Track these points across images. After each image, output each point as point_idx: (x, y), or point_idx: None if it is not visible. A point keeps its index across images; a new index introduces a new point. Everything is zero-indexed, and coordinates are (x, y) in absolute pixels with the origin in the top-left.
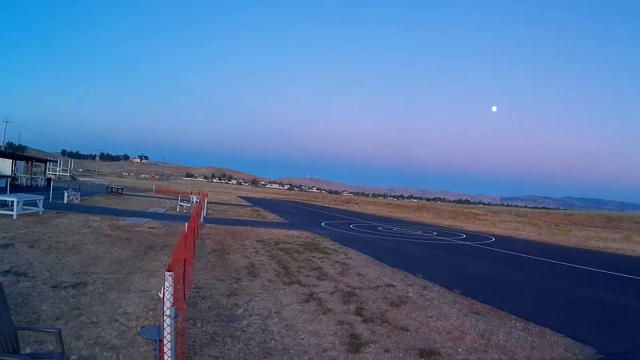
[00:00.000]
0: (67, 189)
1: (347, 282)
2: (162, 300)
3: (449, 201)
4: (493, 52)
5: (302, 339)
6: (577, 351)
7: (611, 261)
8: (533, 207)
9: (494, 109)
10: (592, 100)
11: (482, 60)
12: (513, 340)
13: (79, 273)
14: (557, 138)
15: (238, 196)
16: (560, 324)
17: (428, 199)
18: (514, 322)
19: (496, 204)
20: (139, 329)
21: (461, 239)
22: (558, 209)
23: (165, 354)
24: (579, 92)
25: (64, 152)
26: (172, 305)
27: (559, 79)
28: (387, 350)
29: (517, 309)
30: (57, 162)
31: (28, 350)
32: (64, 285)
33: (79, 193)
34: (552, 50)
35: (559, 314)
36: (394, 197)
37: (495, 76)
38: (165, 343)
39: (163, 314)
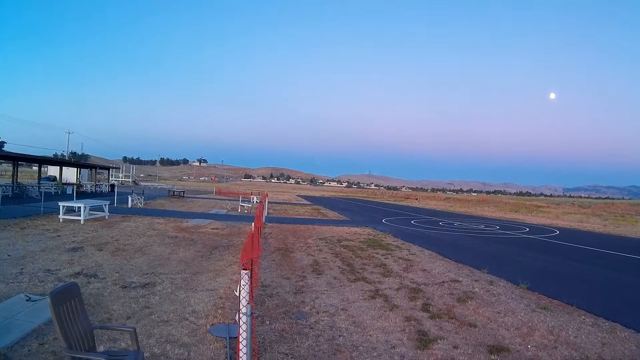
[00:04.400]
0: (130, 194)
1: (412, 278)
2: (238, 298)
3: (510, 194)
4: (550, 36)
5: (370, 335)
6: None
7: None
8: (597, 198)
9: (552, 96)
10: None
11: (540, 47)
12: (583, 336)
13: (147, 274)
14: (621, 124)
15: (297, 195)
16: (631, 320)
17: (488, 192)
18: (583, 317)
19: (558, 195)
20: (208, 326)
21: (524, 233)
22: (623, 198)
23: (240, 351)
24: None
25: (125, 159)
26: (248, 303)
27: (618, 60)
28: (455, 347)
29: (586, 304)
30: (119, 168)
31: (102, 349)
32: (133, 285)
33: (143, 197)
34: (610, 33)
35: (630, 309)
36: (453, 191)
37: (553, 62)
38: (240, 340)
39: (239, 311)
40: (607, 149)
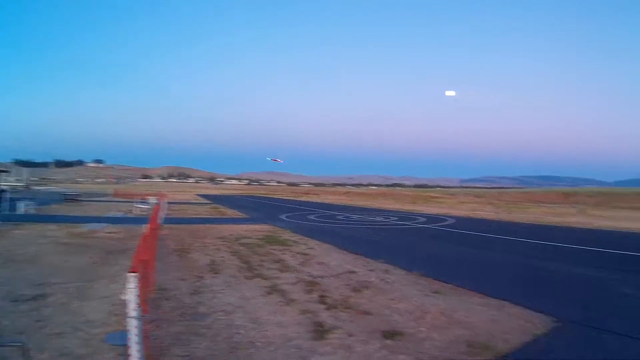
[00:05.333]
0: (22, 199)
1: (309, 272)
2: (127, 303)
3: (408, 186)
4: (447, 34)
5: (267, 330)
6: (536, 321)
7: (568, 234)
8: (491, 187)
9: (451, 93)
10: (542, 80)
11: (436, 44)
12: (474, 315)
13: (39, 284)
14: (512, 118)
15: (196, 194)
16: (518, 297)
17: (387, 185)
18: (474, 298)
19: (454, 187)
20: (104, 335)
21: (421, 223)
22: (514, 187)
23: (132, 357)
24: (529, 70)
25: (16, 161)
26: (138, 307)
27: (509, 57)
28: (351, 335)
29: (477, 286)
30: (9, 172)
31: None
32: (24, 298)
33: (35, 202)
34: (507, 28)
35: (517, 288)
36: (353, 185)
37: (449, 58)
38: (131, 345)
39: (128, 316)
40: (498, 141)
